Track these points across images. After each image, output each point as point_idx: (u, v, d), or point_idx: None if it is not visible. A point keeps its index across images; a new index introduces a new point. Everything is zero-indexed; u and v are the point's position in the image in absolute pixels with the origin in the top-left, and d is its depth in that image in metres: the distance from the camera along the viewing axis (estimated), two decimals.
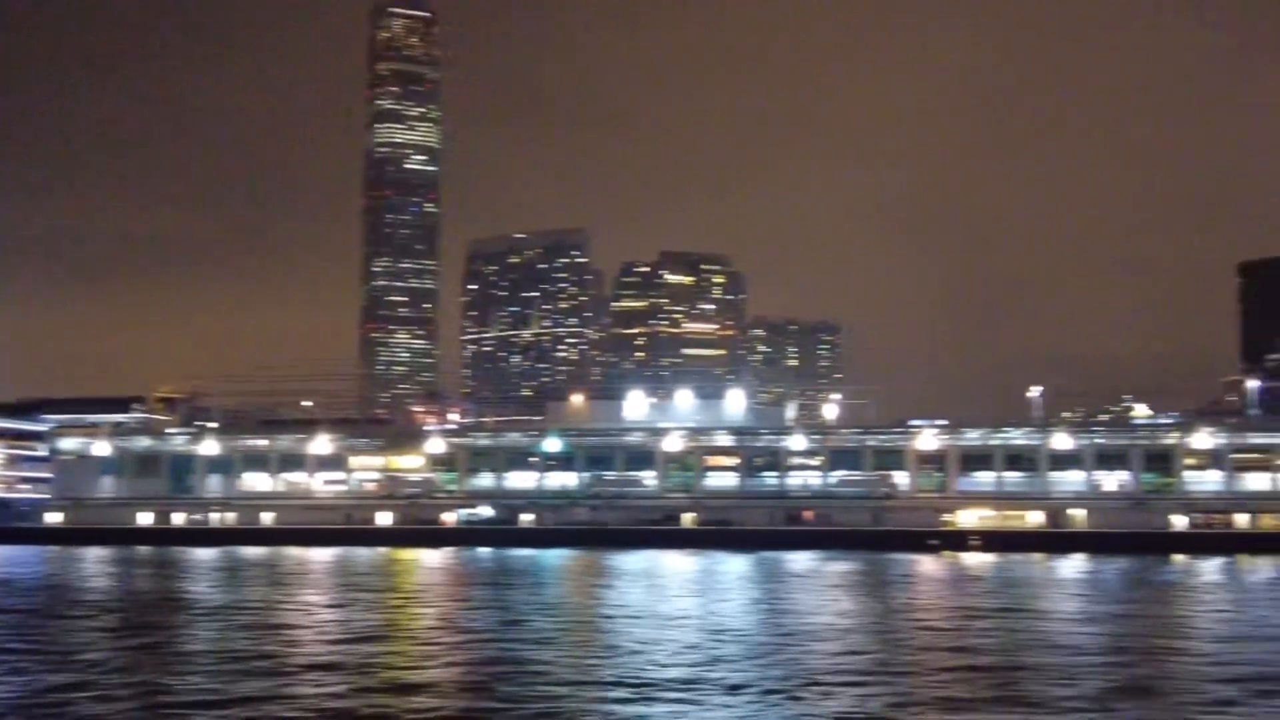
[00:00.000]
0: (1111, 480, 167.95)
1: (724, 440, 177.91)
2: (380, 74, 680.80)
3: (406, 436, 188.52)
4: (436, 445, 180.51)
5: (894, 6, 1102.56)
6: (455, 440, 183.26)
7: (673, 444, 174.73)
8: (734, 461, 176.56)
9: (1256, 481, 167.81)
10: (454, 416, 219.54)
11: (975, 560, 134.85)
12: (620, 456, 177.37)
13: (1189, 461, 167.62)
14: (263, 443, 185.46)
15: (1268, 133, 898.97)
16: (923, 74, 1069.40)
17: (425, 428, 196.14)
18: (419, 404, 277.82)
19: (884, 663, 49.69)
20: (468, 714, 38.26)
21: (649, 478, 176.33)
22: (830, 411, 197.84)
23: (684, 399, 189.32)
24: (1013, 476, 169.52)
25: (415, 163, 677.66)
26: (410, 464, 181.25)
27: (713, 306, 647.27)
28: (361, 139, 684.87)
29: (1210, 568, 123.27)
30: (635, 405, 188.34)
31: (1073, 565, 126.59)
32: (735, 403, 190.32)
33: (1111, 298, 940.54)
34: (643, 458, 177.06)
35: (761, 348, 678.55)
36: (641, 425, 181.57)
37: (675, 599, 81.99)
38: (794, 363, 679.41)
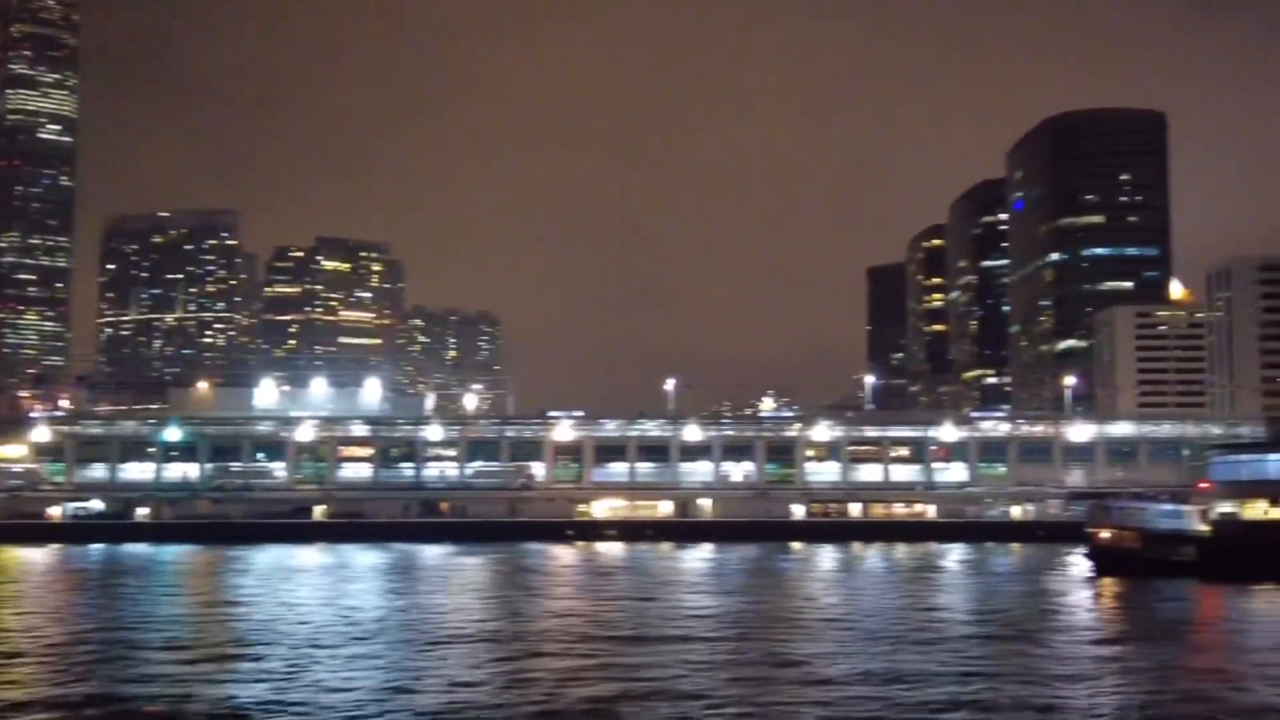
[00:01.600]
0: (738, 471, 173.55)
1: (359, 430, 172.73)
2: (14, 36, 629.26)
3: (9, 424, 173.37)
4: (42, 434, 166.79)
5: (545, 5, 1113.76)
6: (63, 428, 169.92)
7: (305, 434, 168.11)
8: (369, 452, 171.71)
9: (870, 472, 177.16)
10: (64, 403, 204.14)
11: (608, 550, 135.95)
12: (247, 447, 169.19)
13: (809, 453, 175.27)
14: None
15: (896, 144, 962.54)
16: (577, 73, 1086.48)
17: (30, 414, 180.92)
18: (26, 389, 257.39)
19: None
20: None
21: (279, 469, 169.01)
22: (469, 402, 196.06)
23: (318, 388, 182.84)
24: (645, 467, 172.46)
25: (49, 132, 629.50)
26: (12, 453, 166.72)
27: (370, 295, 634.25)
28: None
29: (824, 555, 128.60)
30: (266, 393, 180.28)
31: (698, 554, 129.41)
32: (371, 392, 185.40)
33: (757, 298, 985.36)
34: (273, 448, 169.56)
35: (421, 338, 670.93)
36: (272, 414, 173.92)
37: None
38: (454, 354, 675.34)
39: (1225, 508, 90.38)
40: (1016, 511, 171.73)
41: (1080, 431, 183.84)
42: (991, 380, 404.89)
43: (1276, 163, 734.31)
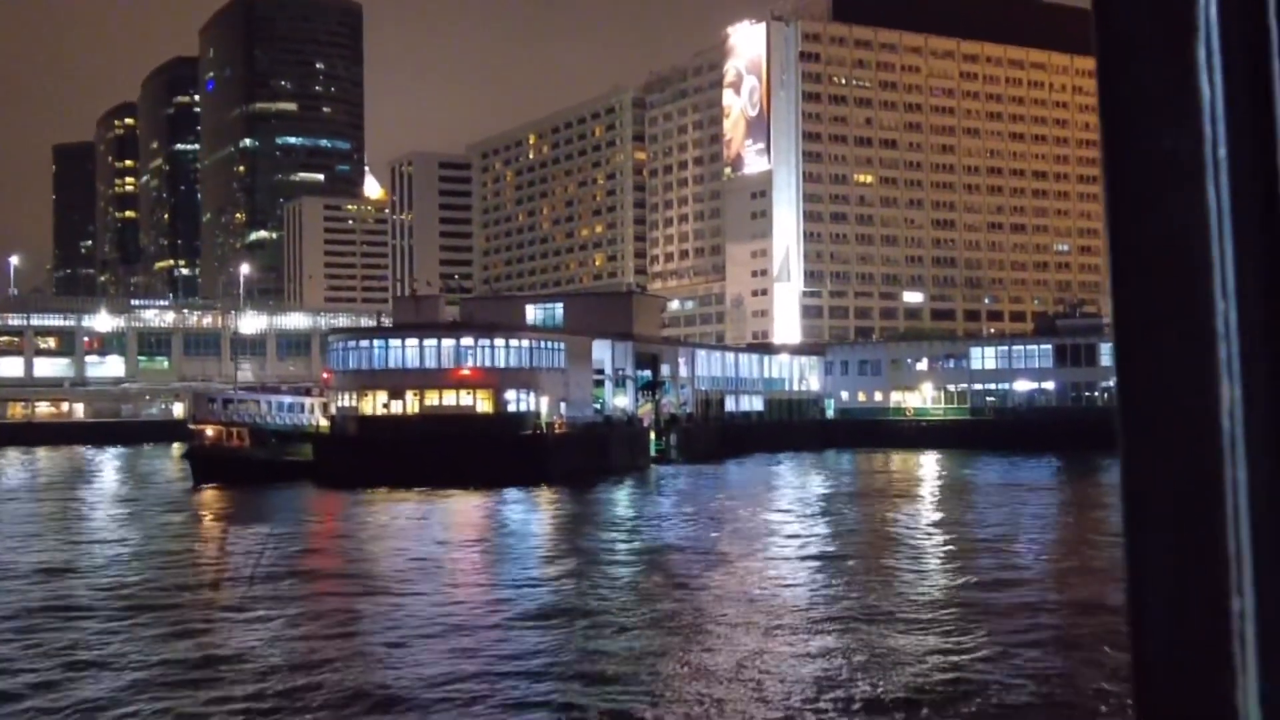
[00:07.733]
0: None
1: None
2: None
3: None
4: None
5: None
6: None
7: None
8: None
9: (9, 367, 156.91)
10: None
11: None
12: None
13: None
14: None
15: (85, 13, 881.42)
16: None
17: None
18: None
19: None
20: None
21: None
22: None
23: None
24: None
25: None
26: None
27: None
28: None
29: None
30: None
31: None
32: None
33: None
34: None
35: None
36: None
37: None
38: None
39: (345, 401, 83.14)
40: (180, 409, 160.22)
41: (252, 323, 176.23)
42: (185, 272, 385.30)
43: (460, 68, 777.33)
